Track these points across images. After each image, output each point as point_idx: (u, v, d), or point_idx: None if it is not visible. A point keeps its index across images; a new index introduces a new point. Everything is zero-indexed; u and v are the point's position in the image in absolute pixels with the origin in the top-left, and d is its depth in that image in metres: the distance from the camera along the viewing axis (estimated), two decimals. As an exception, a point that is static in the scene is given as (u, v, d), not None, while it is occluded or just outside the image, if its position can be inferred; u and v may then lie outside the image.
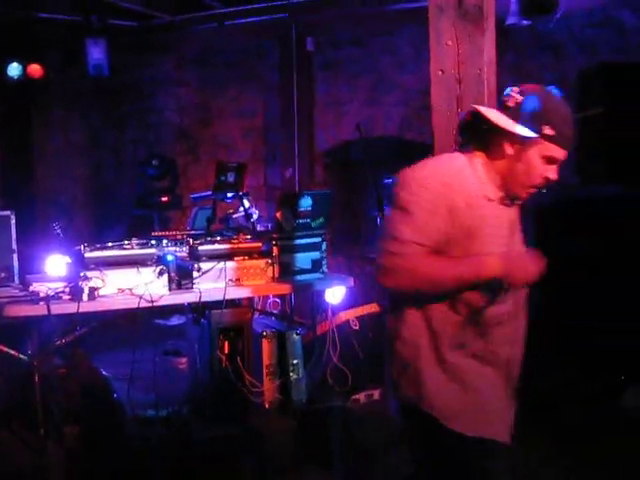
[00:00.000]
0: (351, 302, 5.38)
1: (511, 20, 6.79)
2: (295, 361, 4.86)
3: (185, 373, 5.27)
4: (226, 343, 4.59)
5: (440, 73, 3.35)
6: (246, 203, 5.40)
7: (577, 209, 5.82)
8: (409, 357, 2.53)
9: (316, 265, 4.92)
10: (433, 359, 2.50)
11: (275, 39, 8.58)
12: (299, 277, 4.85)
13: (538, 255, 2.48)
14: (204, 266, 4.52)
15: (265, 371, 4.78)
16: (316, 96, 8.61)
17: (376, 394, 5.07)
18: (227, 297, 4.47)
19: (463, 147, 2.60)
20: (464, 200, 2.42)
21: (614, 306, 5.47)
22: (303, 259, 4.86)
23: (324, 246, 4.96)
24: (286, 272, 4.79)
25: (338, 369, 5.08)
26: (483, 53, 3.37)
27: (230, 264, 4.61)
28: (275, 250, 4.75)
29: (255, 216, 5.52)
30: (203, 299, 4.45)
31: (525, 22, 6.83)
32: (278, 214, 4.85)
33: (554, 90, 2.51)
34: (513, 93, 2.47)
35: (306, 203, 4.84)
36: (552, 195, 6.44)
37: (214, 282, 4.54)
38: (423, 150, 3.40)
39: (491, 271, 2.39)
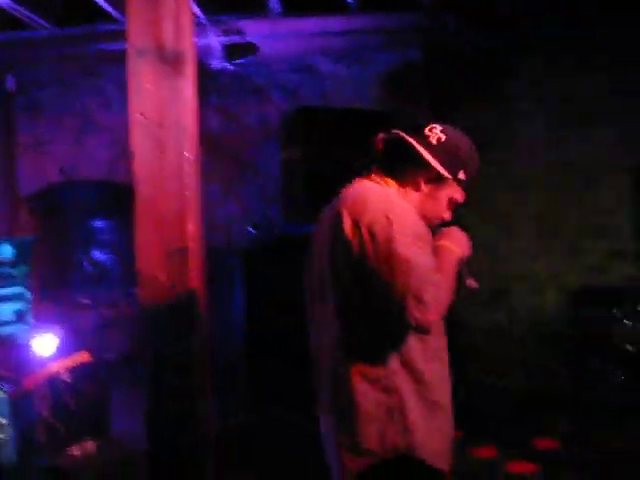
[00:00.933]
0: (61, 352, 5.16)
1: (215, 64, 6.95)
2: (2, 421, 4.57)
3: None
4: None
5: (139, 116, 3.33)
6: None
7: (282, 248, 6.04)
8: (392, 403, 2.32)
9: (20, 316, 4.68)
10: (415, 397, 2.35)
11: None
12: (1, 329, 4.58)
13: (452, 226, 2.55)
14: None
15: (-31, 434, 4.46)
16: (17, 138, 8.23)
17: (91, 447, 4.89)
18: None
19: (363, 172, 2.55)
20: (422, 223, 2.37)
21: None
22: (5, 311, 4.60)
23: (28, 295, 4.73)
24: (-13, 325, 4.52)
25: (49, 424, 4.84)
26: (183, 97, 3.39)
27: None
28: (-26, 303, 4.47)
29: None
30: None
31: (228, 66, 7.03)
32: (-24, 264, 4.58)
33: (468, 137, 2.54)
34: (436, 131, 2.47)
35: (6, 251, 4.60)
36: (257, 234, 6.64)
37: None
38: (131, 193, 3.36)
39: (456, 252, 2.42)
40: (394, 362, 2.33)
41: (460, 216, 2.68)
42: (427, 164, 2.42)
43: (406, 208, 2.34)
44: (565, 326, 6.75)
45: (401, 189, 2.48)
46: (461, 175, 2.47)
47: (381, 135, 2.56)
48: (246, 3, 6.73)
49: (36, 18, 6.58)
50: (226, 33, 6.82)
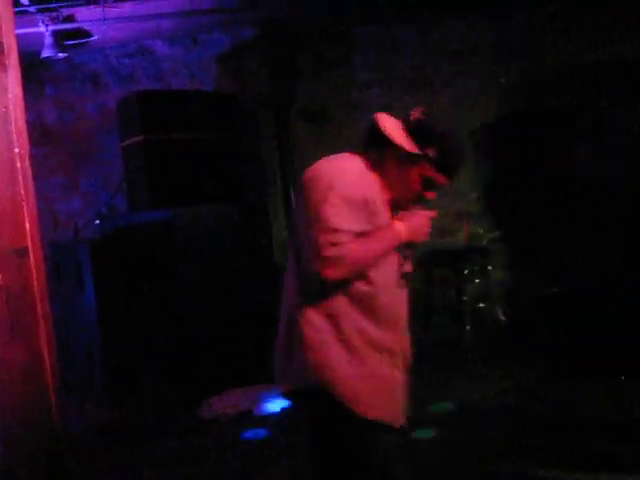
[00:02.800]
0: None
1: (46, 53, 6.69)
2: None
3: None
4: None
5: (-39, 114, 3.16)
6: None
7: (125, 237, 5.95)
8: (317, 341, 2.54)
9: None
10: (339, 343, 2.54)
11: None
12: None
13: (425, 212, 2.72)
14: None
15: None
16: None
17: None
18: None
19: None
20: (373, 196, 2.55)
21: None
22: None
23: None
24: None
25: None
26: (8, 90, 3.22)
27: None
28: None
29: None
30: None
31: (61, 55, 6.78)
32: None
33: (455, 129, 2.70)
34: (418, 112, 2.64)
35: None
36: (103, 225, 6.50)
37: None
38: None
39: (403, 234, 2.59)
40: (325, 309, 2.56)
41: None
42: (392, 142, 2.59)
43: (356, 178, 2.56)
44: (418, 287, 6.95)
45: (376, 165, 2.63)
46: (431, 152, 2.58)
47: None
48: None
49: None
50: (56, 21, 6.55)
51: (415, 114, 2.65)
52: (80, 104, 7.63)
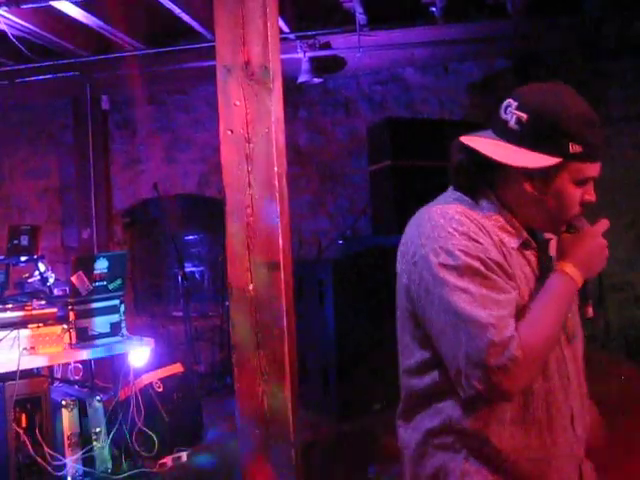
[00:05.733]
0: (155, 363, 5.27)
1: (302, 79, 7.02)
2: (98, 429, 4.69)
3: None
4: (23, 416, 4.37)
5: (229, 132, 3.39)
6: (41, 267, 5.22)
7: (368, 259, 6.06)
8: None
9: (115, 328, 4.80)
10: None
11: (69, 97, 8.39)
12: (97, 342, 4.71)
13: (592, 228, 1.91)
14: (-5, 336, 4.30)
15: (67, 442, 4.57)
16: (112, 155, 8.48)
17: (184, 456, 4.98)
18: (21, 367, 4.26)
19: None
20: (497, 251, 1.83)
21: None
22: (101, 323, 4.73)
23: (122, 308, 4.85)
24: (84, 337, 4.64)
25: (143, 434, 4.94)
26: (271, 112, 3.43)
27: (24, 332, 4.40)
28: (71, 315, 4.59)
29: (51, 280, 5.34)
30: (-5, 371, 4.23)
31: (316, 80, 7.08)
32: (73, 278, 4.70)
33: (562, 86, 1.91)
34: (512, 109, 1.86)
35: (102, 265, 4.73)
36: (346, 246, 6.67)
37: (7, 352, 4.32)
38: (222, 207, 3.43)
39: (578, 275, 1.85)
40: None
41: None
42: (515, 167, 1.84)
43: (464, 230, 1.81)
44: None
45: (499, 204, 1.91)
46: (574, 148, 1.80)
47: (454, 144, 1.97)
48: (332, 17, 6.77)
49: (125, 37, 6.76)
50: (313, 47, 6.87)
51: (513, 114, 1.85)
52: (331, 128, 7.90)
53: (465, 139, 1.90)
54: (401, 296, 1.95)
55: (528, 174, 1.84)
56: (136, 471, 4.75)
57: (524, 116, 1.84)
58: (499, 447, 1.83)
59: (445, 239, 1.80)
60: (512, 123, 1.85)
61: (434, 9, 6.31)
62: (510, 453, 1.83)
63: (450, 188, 2.00)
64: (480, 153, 1.86)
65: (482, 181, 1.93)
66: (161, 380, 5.32)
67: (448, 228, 1.81)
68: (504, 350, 1.67)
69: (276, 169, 3.38)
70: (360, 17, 6.53)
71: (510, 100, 1.88)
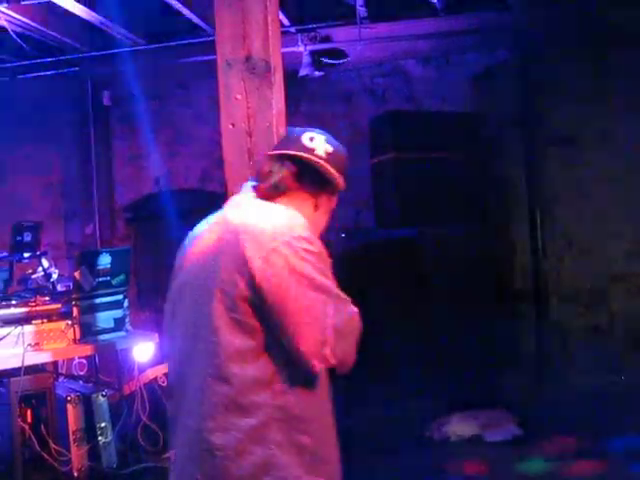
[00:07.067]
0: (159, 358, 5.27)
1: (304, 72, 7.00)
2: (103, 424, 4.70)
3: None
4: (28, 411, 4.40)
5: (230, 127, 3.38)
6: (45, 262, 5.23)
7: (371, 252, 6.08)
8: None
9: (119, 323, 4.81)
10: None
11: (70, 93, 8.38)
12: (101, 337, 4.71)
13: None
14: (-1, 332, 4.31)
15: (72, 437, 4.58)
16: (114, 150, 8.48)
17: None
18: (26, 363, 4.28)
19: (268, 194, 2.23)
20: None
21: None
22: (105, 318, 4.73)
23: (126, 303, 4.85)
24: (88, 333, 4.65)
25: (149, 428, 4.94)
26: (272, 106, 3.42)
27: (28, 328, 4.42)
28: (75, 311, 4.60)
29: (55, 276, 5.34)
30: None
31: (317, 73, 7.06)
32: (76, 273, 4.70)
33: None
34: (318, 142, 2.22)
35: (105, 261, 4.73)
36: (349, 239, 6.67)
37: (12, 348, 4.33)
38: (225, 201, 3.42)
39: None
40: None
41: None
42: (331, 180, 2.21)
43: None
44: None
45: (295, 208, 2.18)
46: (342, 182, 2.25)
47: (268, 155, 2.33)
48: (333, 10, 6.76)
49: (127, 33, 6.75)
50: (314, 40, 6.85)
51: (319, 145, 2.21)
52: (333, 121, 7.88)
53: (302, 155, 2.22)
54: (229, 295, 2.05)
55: (330, 191, 2.27)
56: (141, 466, 4.76)
57: (330, 148, 2.24)
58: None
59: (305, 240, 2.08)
60: (320, 151, 2.22)
61: (435, 1, 6.30)
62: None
63: None
64: (317, 167, 2.20)
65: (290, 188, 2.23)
66: (165, 375, 5.32)
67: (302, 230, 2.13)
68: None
69: (277, 162, 3.37)
70: (361, 10, 6.52)
71: (312, 132, 2.28)
